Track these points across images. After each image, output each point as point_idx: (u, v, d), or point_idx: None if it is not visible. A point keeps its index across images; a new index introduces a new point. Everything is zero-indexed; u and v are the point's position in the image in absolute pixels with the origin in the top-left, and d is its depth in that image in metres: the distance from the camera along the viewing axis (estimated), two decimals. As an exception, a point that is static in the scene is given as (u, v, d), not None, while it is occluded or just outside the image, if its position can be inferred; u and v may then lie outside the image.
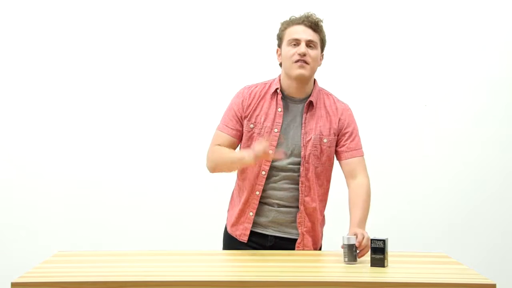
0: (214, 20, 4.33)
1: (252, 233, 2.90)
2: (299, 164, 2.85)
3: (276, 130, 2.84)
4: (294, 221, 2.89)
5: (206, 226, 4.10)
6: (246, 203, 2.89)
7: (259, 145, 2.67)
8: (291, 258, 2.75)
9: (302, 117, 2.87)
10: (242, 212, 2.90)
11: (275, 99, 2.88)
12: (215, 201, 3.86)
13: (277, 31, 2.93)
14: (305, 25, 2.83)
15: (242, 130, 2.88)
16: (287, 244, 2.89)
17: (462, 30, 4.36)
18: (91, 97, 4.33)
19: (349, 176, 2.92)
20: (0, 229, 4.31)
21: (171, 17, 4.33)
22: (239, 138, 2.90)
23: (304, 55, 2.79)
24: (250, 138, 2.87)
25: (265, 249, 2.89)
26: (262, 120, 2.85)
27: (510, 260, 4.38)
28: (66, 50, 4.32)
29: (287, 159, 2.85)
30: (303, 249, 2.89)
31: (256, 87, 2.92)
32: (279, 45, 2.90)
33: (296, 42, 2.82)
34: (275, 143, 2.84)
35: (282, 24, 2.90)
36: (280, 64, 2.92)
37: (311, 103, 2.88)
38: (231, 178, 3.03)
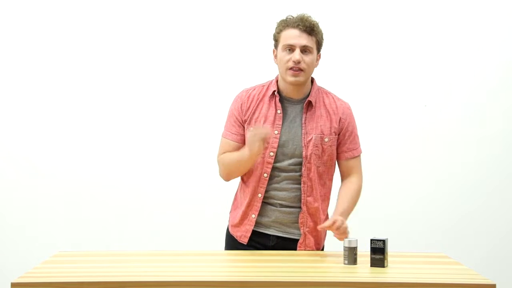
0: (215, 21, 4.33)
1: (254, 233, 2.90)
2: (300, 164, 2.84)
3: (276, 132, 2.84)
4: (297, 221, 2.89)
5: (207, 227, 4.11)
6: (249, 205, 2.89)
7: (253, 131, 2.71)
8: (292, 258, 2.75)
9: (301, 117, 2.87)
10: (244, 214, 2.90)
11: (273, 101, 2.87)
12: (217, 201, 3.88)
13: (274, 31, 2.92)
14: (300, 29, 2.80)
15: (245, 133, 2.89)
16: (290, 244, 2.89)
17: (462, 30, 4.36)
18: (92, 97, 4.33)
19: (345, 174, 2.95)
20: (0, 229, 4.31)
21: (172, 17, 4.33)
22: (244, 142, 2.89)
23: (299, 62, 2.79)
24: None
25: (267, 249, 2.89)
26: (262, 122, 2.85)
27: (510, 260, 4.38)
28: (65, 50, 4.32)
29: (289, 160, 2.85)
30: (304, 249, 2.89)
31: (254, 90, 2.92)
32: (276, 46, 2.89)
33: (291, 48, 2.81)
34: (275, 145, 2.83)
35: (278, 25, 2.87)
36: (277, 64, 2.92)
37: (310, 103, 2.88)
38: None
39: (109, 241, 4.27)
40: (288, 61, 2.79)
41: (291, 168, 2.85)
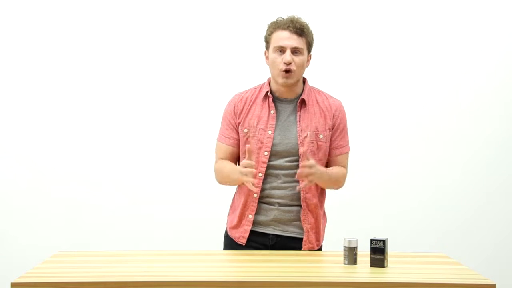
0: (214, 21, 4.33)
1: (253, 233, 2.91)
2: (297, 161, 2.86)
3: (270, 132, 2.86)
4: (296, 220, 2.89)
5: (207, 227, 4.10)
6: (245, 206, 2.90)
7: (243, 164, 2.74)
8: (291, 258, 2.75)
9: (296, 115, 2.90)
10: (242, 215, 2.91)
11: (266, 102, 2.91)
12: (217, 202, 3.87)
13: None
14: (290, 30, 2.83)
15: (239, 137, 2.92)
16: (289, 242, 2.90)
17: (462, 30, 4.36)
18: (91, 98, 4.33)
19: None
20: (0, 229, 4.31)
21: (172, 18, 4.33)
22: (238, 146, 2.93)
23: (289, 63, 2.82)
24: (246, 143, 2.89)
25: (267, 249, 2.89)
26: (255, 123, 2.88)
27: (510, 260, 4.38)
28: (65, 51, 4.32)
29: (285, 158, 2.86)
30: (308, 246, 2.90)
31: (246, 93, 2.96)
32: (267, 48, 2.92)
33: (282, 49, 2.84)
34: (270, 145, 2.86)
35: (269, 27, 2.91)
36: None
37: (303, 101, 2.91)
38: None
39: (109, 241, 4.27)
40: (279, 63, 2.83)
41: (287, 166, 2.87)
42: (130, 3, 4.33)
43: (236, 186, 3.00)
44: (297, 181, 2.85)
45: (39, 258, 2.87)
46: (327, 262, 2.69)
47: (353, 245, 2.59)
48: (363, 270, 2.52)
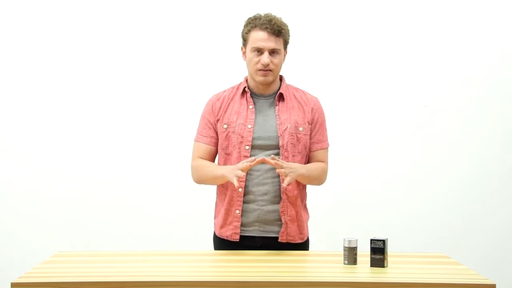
0: (213, 21, 4.33)
1: (240, 237, 2.90)
2: (277, 154, 2.89)
3: (249, 126, 2.89)
4: (278, 219, 2.90)
5: (207, 227, 4.10)
6: (231, 202, 2.90)
7: (241, 165, 2.75)
8: (291, 258, 2.75)
9: (274, 109, 2.94)
10: (228, 212, 2.91)
11: (244, 98, 2.95)
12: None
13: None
14: (268, 32, 2.86)
15: (217, 136, 2.94)
16: (273, 242, 2.89)
17: (462, 30, 4.36)
18: (91, 98, 4.33)
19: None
20: (0, 229, 4.31)
21: (171, 18, 4.33)
22: (216, 145, 2.96)
23: (267, 64, 2.86)
24: (227, 138, 2.91)
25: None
26: (235, 118, 2.91)
27: (510, 260, 4.38)
28: (66, 51, 4.32)
29: (266, 151, 2.89)
30: (286, 239, 2.89)
31: (224, 92, 3.00)
32: (244, 45, 2.95)
33: (259, 51, 2.87)
34: (250, 139, 2.88)
35: (247, 24, 2.92)
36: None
37: (281, 95, 2.95)
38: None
39: (109, 241, 4.27)
40: (257, 63, 2.87)
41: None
42: (127, 4, 4.33)
43: (216, 189, 3.01)
44: (279, 176, 2.87)
45: (39, 258, 2.87)
46: (327, 262, 2.69)
47: (353, 245, 2.59)
48: (363, 270, 2.52)
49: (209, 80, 4.29)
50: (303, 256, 2.81)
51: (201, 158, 2.96)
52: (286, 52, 2.97)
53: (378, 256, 2.56)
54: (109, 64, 4.33)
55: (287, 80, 3.04)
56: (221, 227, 2.94)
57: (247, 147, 2.87)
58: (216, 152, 2.97)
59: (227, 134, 2.90)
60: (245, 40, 2.93)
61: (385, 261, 2.56)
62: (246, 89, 2.94)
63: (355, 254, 2.60)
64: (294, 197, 2.91)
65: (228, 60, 4.31)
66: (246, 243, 2.90)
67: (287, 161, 2.87)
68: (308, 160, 2.98)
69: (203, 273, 2.54)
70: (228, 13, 4.29)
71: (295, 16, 4.27)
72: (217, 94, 3.01)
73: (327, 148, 3.02)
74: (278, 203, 2.88)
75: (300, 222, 2.93)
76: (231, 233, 2.91)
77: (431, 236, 4.35)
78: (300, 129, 2.93)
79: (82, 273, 2.46)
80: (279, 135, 2.89)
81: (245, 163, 2.76)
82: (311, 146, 2.97)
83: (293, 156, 2.90)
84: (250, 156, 2.87)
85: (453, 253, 3.06)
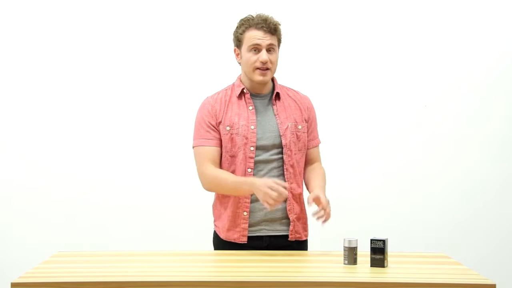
0: (212, 22, 4.33)
1: (247, 238, 2.90)
2: (280, 154, 2.90)
3: (252, 127, 2.89)
4: (284, 217, 2.91)
5: (207, 227, 4.10)
6: (238, 203, 2.89)
7: (274, 186, 2.68)
8: (291, 258, 2.75)
9: (272, 109, 2.94)
10: (235, 214, 2.90)
11: (243, 99, 2.94)
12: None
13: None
14: (264, 30, 2.87)
15: (221, 137, 2.91)
16: (280, 241, 2.91)
17: (462, 30, 4.36)
18: (91, 97, 4.33)
19: (308, 162, 3.02)
20: (0, 229, 4.31)
21: (170, 18, 4.34)
22: (221, 146, 2.92)
23: (266, 62, 2.86)
24: (230, 141, 2.88)
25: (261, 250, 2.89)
26: (237, 120, 2.89)
27: (510, 260, 4.38)
28: (66, 51, 4.32)
29: (269, 151, 2.89)
30: (295, 237, 2.91)
31: (218, 94, 2.97)
32: (238, 46, 2.94)
33: (257, 48, 2.87)
34: (254, 139, 2.87)
35: (240, 25, 2.92)
36: (239, 63, 2.97)
37: (278, 94, 2.96)
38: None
39: (109, 241, 4.27)
40: (255, 61, 2.87)
41: (273, 159, 2.89)
42: (123, 6, 4.33)
43: (214, 195, 3.00)
44: (283, 175, 2.89)
45: (39, 258, 2.87)
46: (327, 262, 2.69)
47: (353, 245, 2.59)
48: (363, 270, 2.52)
49: (207, 80, 4.29)
50: (303, 256, 2.81)
51: (212, 163, 2.88)
52: (278, 53, 2.97)
53: (378, 256, 2.56)
54: (108, 64, 4.33)
55: (284, 78, 3.05)
56: (228, 230, 2.91)
57: (252, 148, 2.86)
58: (221, 152, 2.92)
59: (230, 136, 2.88)
60: (239, 41, 2.92)
61: (385, 261, 2.56)
62: (245, 90, 2.93)
63: (355, 254, 2.60)
64: (298, 195, 2.94)
65: (225, 61, 4.32)
66: (253, 243, 2.89)
67: (290, 159, 2.89)
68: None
69: (203, 273, 2.54)
70: (220, 14, 4.29)
71: (291, 16, 4.28)
72: (211, 96, 2.97)
73: (318, 145, 3.06)
74: (284, 201, 2.88)
75: (304, 219, 2.96)
76: (239, 235, 2.90)
77: (431, 236, 4.35)
78: (299, 127, 2.94)
79: (82, 273, 2.46)
80: (281, 134, 2.90)
81: (278, 186, 2.69)
82: (307, 144, 2.99)
83: (295, 154, 2.91)
84: (255, 157, 2.87)
85: (453, 253, 3.06)
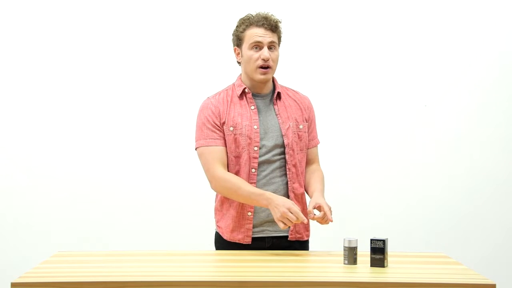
0: (212, 22, 4.33)
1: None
2: (283, 153, 2.90)
3: (255, 127, 2.88)
4: None
5: (208, 227, 4.11)
6: (243, 205, 2.88)
7: (293, 209, 2.69)
8: (291, 258, 2.75)
9: (273, 109, 2.94)
10: (240, 215, 2.89)
11: (244, 99, 2.93)
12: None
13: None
14: (266, 28, 2.87)
15: (225, 136, 2.90)
16: (281, 241, 2.91)
17: (462, 30, 4.37)
18: (91, 97, 4.33)
19: (306, 163, 3.02)
20: (0, 229, 4.31)
21: (169, 18, 4.34)
22: (226, 145, 2.91)
23: (268, 59, 2.85)
24: (234, 141, 2.88)
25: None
26: (240, 120, 2.89)
27: (510, 260, 4.38)
28: (66, 51, 4.32)
29: (272, 151, 2.89)
30: (295, 237, 2.92)
31: (219, 95, 2.96)
32: (238, 45, 2.93)
33: (258, 46, 2.86)
34: (258, 139, 2.87)
35: (241, 24, 2.92)
36: (239, 63, 2.97)
37: (279, 94, 2.96)
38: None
39: (109, 241, 4.27)
40: (257, 59, 2.86)
41: (275, 159, 2.89)
42: (122, 6, 4.33)
43: (216, 196, 2.99)
44: (285, 175, 2.89)
45: (39, 258, 2.87)
46: (327, 262, 2.69)
47: (353, 245, 2.59)
48: (363, 270, 2.52)
49: (207, 80, 4.30)
50: (303, 256, 2.81)
51: (221, 164, 2.85)
52: (278, 52, 2.96)
53: (378, 256, 2.56)
54: (109, 65, 4.34)
55: (283, 78, 3.05)
56: (232, 231, 2.91)
57: (255, 148, 2.86)
58: (226, 151, 2.90)
59: (234, 137, 2.88)
60: (240, 40, 2.91)
61: (385, 261, 2.56)
62: (247, 90, 2.92)
63: (355, 254, 2.60)
64: (300, 194, 2.94)
65: (224, 61, 4.32)
66: (256, 244, 2.89)
67: (292, 159, 2.89)
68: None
69: (203, 273, 2.54)
70: (220, 14, 4.29)
71: (291, 16, 4.28)
72: (212, 97, 2.96)
73: (317, 145, 3.06)
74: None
75: (306, 216, 2.94)
76: (243, 236, 2.89)
77: (431, 236, 4.35)
78: (301, 126, 2.95)
79: (82, 273, 2.46)
80: (283, 134, 2.90)
81: (299, 211, 2.70)
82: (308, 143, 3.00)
83: (297, 154, 2.92)
84: (259, 157, 2.86)
85: (453, 253, 3.06)
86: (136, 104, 4.35)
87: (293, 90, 3.04)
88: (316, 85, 4.25)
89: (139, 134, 4.34)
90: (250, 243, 2.89)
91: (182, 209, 4.32)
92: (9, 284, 2.31)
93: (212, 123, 2.89)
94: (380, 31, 4.37)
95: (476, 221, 4.38)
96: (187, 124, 4.33)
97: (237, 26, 2.94)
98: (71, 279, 2.36)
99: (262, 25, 2.86)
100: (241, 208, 2.89)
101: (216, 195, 3.00)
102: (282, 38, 2.97)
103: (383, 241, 2.55)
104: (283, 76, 3.12)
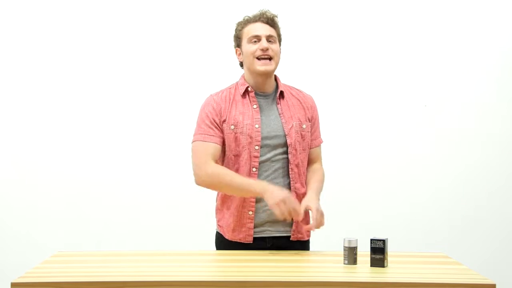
0: (212, 22, 4.33)
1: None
2: (285, 153, 2.89)
3: (257, 126, 2.88)
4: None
5: (207, 226, 4.11)
6: (243, 203, 2.88)
7: (287, 201, 2.70)
8: (291, 258, 2.75)
9: (276, 108, 2.93)
10: (240, 214, 2.89)
11: (247, 98, 2.92)
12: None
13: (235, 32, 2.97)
14: (262, 21, 2.89)
15: (223, 135, 2.89)
16: (282, 241, 2.91)
17: (462, 30, 4.37)
18: (91, 97, 4.34)
19: (308, 163, 3.01)
20: (0, 229, 4.32)
21: (169, 18, 4.34)
22: (223, 144, 2.90)
23: (267, 49, 2.85)
24: (235, 140, 2.87)
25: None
26: (241, 119, 2.88)
27: (510, 260, 4.38)
28: (66, 51, 4.32)
29: (274, 151, 2.88)
30: (297, 237, 2.91)
31: (222, 93, 2.96)
32: (238, 45, 2.95)
33: (257, 39, 2.87)
34: (259, 138, 2.86)
35: (239, 24, 2.95)
36: (240, 64, 2.97)
37: (282, 93, 2.95)
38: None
39: (109, 241, 4.27)
40: (255, 51, 2.86)
41: (277, 159, 2.89)
42: (124, 5, 4.33)
43: (217, 196, 2.99)
44: (288, 175, 2.88)
45: (39, 258, 2.87)
46: (327, 262, 2.69)
47: (353, 245, 2.59)
48: (363, 270, 2.52)
49: (207, 79, 4.30)
50: (303, 256, 2.81)
51: (212, 159, 2.84)
52: (280, 51, 2.96)
53: (378, 256, 2.56)
54: (110, 65, 4.34)
55: (284, 78, 3.04)
56: (233, 230, 2.91)
57: (256, 147, 2.85)
58: (223, 151, 2.91)
59: (235, 136, 2.87)
60: (239, 39, 2.93)
61: (385, 261, 2.56)
62: (249, 88, 2.91)
63: (355, 254, 2.60)
64: (302, 195, 2.92)
65: (225, 59, 4.32)
66: (257, 244, 2.89)
67: (295, 159, 2.88)
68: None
69: (203, 273, 2.54)
70: (222, 13, 4.29)
71: (294, 15, 4.28)
72: (215, 94, 2.96)
73: (320, 145, 3.06)
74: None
75: (307, 218, 2.94)
76: (245, 235, 2.89)
77: (431, 236, 4.35)
78: (304, 126, 2.94)
79: (82, 273, 2.46)
80: (286, 133, 2.89)
81: (295, 206, 2.72)
82: (310, 143, 2.99)
83: (300, 154, 2.91)
84: (260, 156, 2.86)
85: (453, 253, 3.06)
86: (136, 104, 4.35)
87: (296, 89, 3.04)
88: (316, 85, 4.25)
89: (139, 134, 4.34)
90: (251, 242, 2.89)
91: (183, 209, 4.33)
92: (9, 284, 2.31)
93: (211, 120, 2.89)
94: (380, 31, 4.37)
95: (476, 221, 4.38)
96: (187, 124, 4.33)
97: (235, 29, 2.96)
98: (71, 279, 2.36)
99: (259, 20, 2.89)
100: (242, 207, 2.88)
101: (217, 195, 3.00)
102: (283, 39, 2.96)
103: (383, 241, 2.55)
104: (284, 76, 3.11)
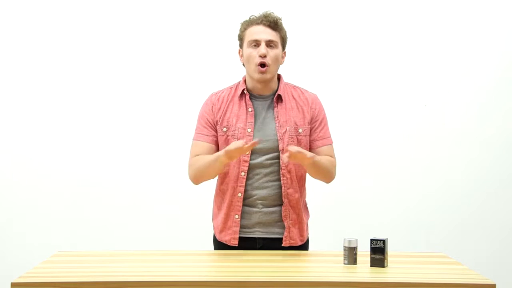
0: (212, 22, 4.33)
1: (240, 239, 2.89)
2: (277, 158, 2.86)
3: (249, 130, 2.86)
4: (279, 220, 2.89)
5: (206, 227, 4.11)
6: (230, 206, 2.88)
7: (232, 144, 2.72)
8: (291, 258, 2.75)
9: (273, 111, 2.90)
10: (227, 217, 2.90)
11: (243, 100, 2.91)
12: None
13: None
14: (264, 24, 2.86)
15: (218, 135, 2.90)
16: (274, 243, 2.89)
17: (462, 30, 4.36)
18: (91, 97, 4.33)
19: None
20: (0, 229, 4.31)
21: (169, 18, 4.34)
22: (216, 144, 2.91)
23: (265, 56, 2.82)
24: (225, 142, 2.88)
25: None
26: (234, 122, 2.88)
27: (510, 260, 4.38)
28: (66, 51, 4.32)
29: (266, 155, 2.86)
30: (289, 243, 2.89)
31: (222, 92, 2.95)
32: (241, 46, 2.93)
33: (256, 43, 2.85)
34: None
35: (242, 24, 2.93)
36: (243, 64, 2.95)
37: (279, 96, 2.91)
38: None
39: (109, 241, 4.27)
40: (254, 56, 2.84)
41: (269, 164, 2.86)
42: (125, 5, 4.33)
43: (214, 191, 2.99)
44: (279, 180, 2.86)
45: (39, 258, 2.87)
46: (327, 262, 2.69)
47: (353, 245, 2.59)
48: (363, 270, 2.52)
49: (208, 79, 4.29)
50: (303, 256, 2.81)
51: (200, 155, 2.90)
52: (285, 54, 2.94)
53: (378, 256, 2.56)
54: (111, 65, 4.34)
55: (285, 78, 3.00)
56: (221, 231, 2.92)
57: (243, 144, 2.83)
58: (217, 151, 2.90)
59: (226, 138, 2.88)
60: (241, 40, 2.91)
61: (385, 261, 2.56)
62: (245, 91, 2.90)
63: (355, 254, 2.60)
64: (296, 200, 2.89)
65: (227, 59, 4.31)
66: (246, 244, 2.88)
67: (287, 164, 2.85)
68: None
69: (203, 273, 2.54)
70: (226, 13, 4.29)
71: (295, 15, 4.28)
72: (215, 93, 2.96)
73: (331, 144, 2.96)
74: (279, 205, 2.87)
75: (301, 224, 2.92)
76: (230, 238, 2.90)
77: (431, 236, 4.35)
78: (300, 130, 2.90)
79: (82, 273, 2.46)
80: (278, 138, 2.86)
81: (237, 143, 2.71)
82: (314, 144, 2.92)
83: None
84: (250, 160, 2.84)
85: (453, 253, 3.06)
86: (137, 104, 4.34)
87: (300, 89, 2.98)
88: (316, 85, 4.24)
89: (139, 134, 4.34)
90: (236, 245, 2.88)
91: (182, 209, 4.32)
92: (9, 284, 2.31)
93: (206, 120, 2.91)
94: (381, 32, 4.36)
95: (476, 221, 4.38)
96: (188, 124, 4.33)
97: (240, 28, 2.94)
98: (71, 279, 2.36)
99: (261, 22, 2.86)
100: (229, 209, 2.89)
101: (214, 194, 3.00)
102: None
103: (383, 241, 2.56)
104: (285, 76, 3.11)
